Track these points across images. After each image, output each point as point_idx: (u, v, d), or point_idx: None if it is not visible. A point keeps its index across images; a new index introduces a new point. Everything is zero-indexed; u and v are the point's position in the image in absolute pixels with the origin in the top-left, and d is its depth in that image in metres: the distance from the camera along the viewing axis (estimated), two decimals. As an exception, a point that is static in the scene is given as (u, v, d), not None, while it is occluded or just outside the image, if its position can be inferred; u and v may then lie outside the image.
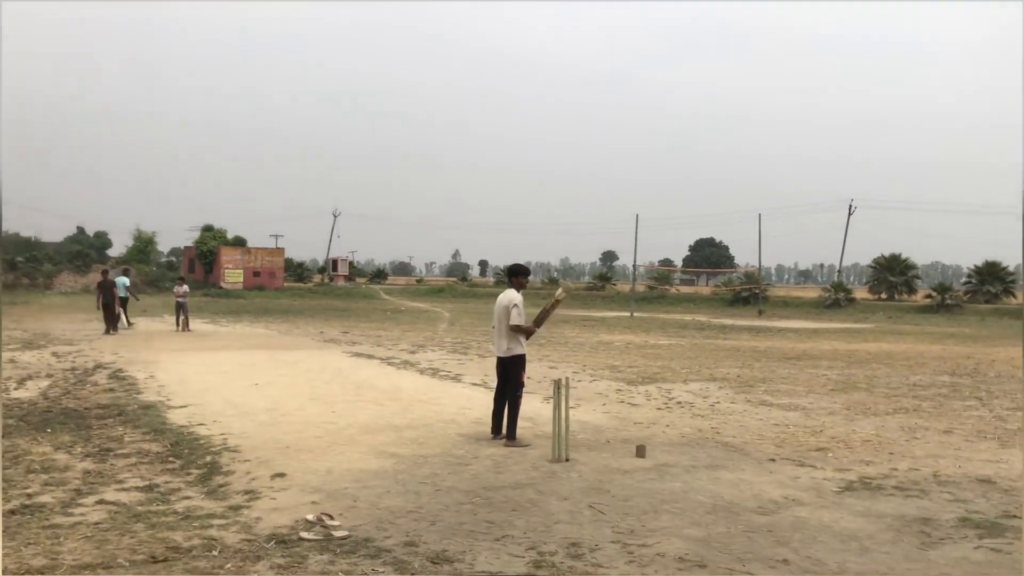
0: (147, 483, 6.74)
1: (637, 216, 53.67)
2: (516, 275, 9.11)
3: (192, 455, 7.80)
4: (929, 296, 55.64)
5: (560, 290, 9.75)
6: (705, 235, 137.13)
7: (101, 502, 6.13)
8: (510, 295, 8.78)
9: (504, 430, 8.62)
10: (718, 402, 12.05)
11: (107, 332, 22.79)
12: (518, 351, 8.70)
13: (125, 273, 27.41)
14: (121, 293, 24.83)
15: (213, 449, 8.03)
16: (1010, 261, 60.81)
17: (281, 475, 6.98)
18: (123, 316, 24.90)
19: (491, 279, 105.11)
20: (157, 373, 13.98)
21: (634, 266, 59.91)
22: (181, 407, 10.51)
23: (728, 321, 41.56)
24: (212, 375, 13.90)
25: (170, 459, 7.68)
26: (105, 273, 25.79)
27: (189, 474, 7.12)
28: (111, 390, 12.07)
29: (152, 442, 8.43)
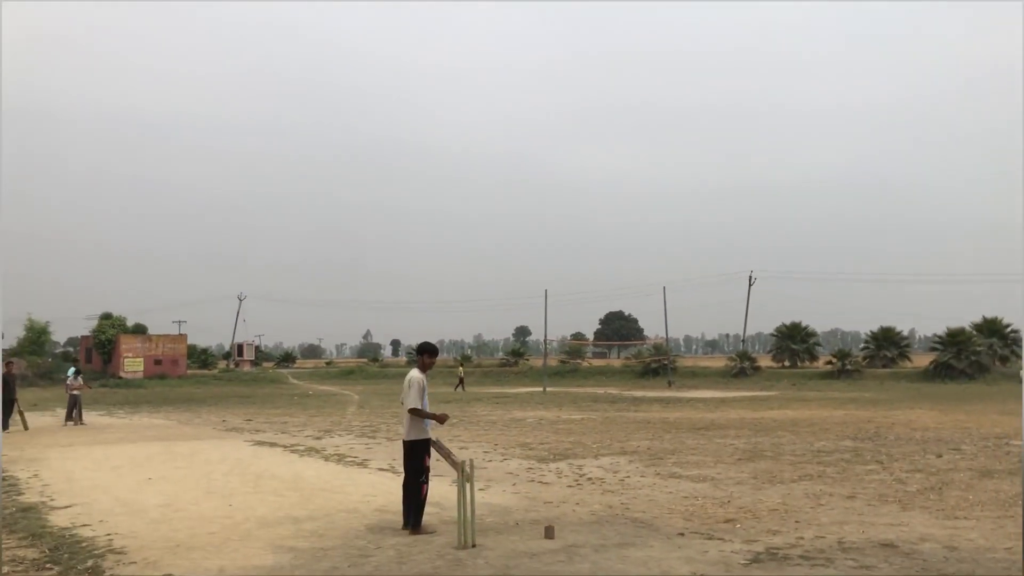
0: (19, 594, 6.22)
1: (546, 291, 54.30)
2: (421, 354, 8.82)
3: (72, 560, 7.27)
4: (830, 362, 57.47)
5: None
6: (615, 308, 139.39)
7: (-37, 619, 5.61)
8: (411, 375, 8.49)
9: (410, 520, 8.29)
10: (628, 476, 12.00)
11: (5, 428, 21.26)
12: (415, 436, 8.37)
13: (75, 362, 26.34)
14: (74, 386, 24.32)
15: (96, 552, 7.51)
16: (903, 326, 63.61)
17: (168, 577, 6.55)
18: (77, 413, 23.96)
19: (403, 358, 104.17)
20: (42, 471, 13.17)
21: (545, 341, 60.26)
22: (65, 507, 9.86)
23: (639, 393, 41.98)
24: (102, 471, 13.16)
25: (47, 565, 7.13)
26: (9, 365, 24.19)
27: (67, 582, 6.61)
28: (-11, 493, 11.27)
29: (29, 548, 7.83)
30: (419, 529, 8.17)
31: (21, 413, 21.73)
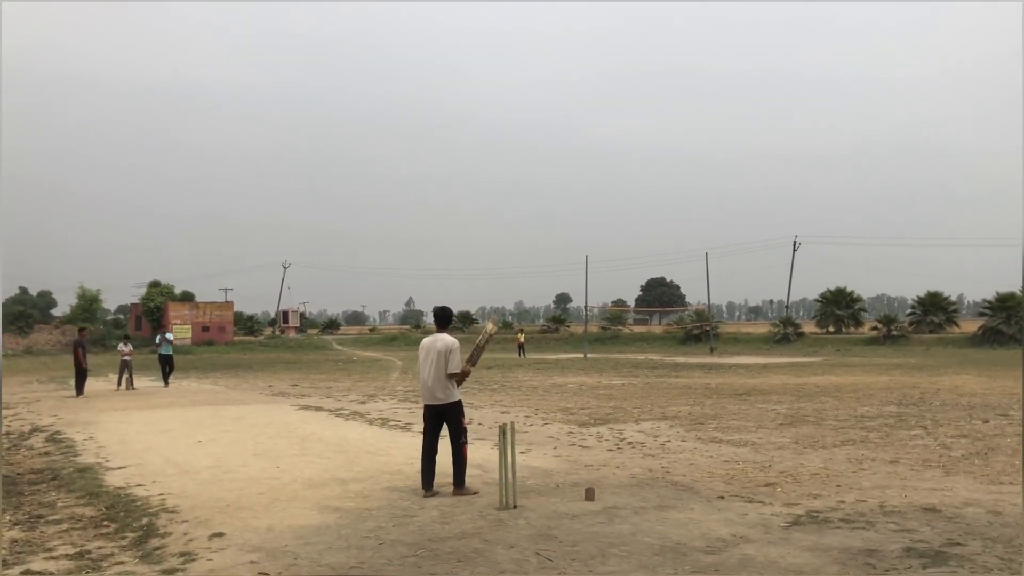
0: (78, 550, 6.46)
1: (587, 258, 54.07)
2: (447, 318, 8.76)
3: (128, 518, 7.53)
4: (875, 328, 56.76)
5: (490, 324, 9.63)
6: (656, 275, 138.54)
7: (27, 572, 5.86)
8: (446, 341, 8.42)
9: (452, 480, 8.43)
10: (669, 441, 12.04)
11: (80, 394, 21.80)
12: (455, 397, 8.44)
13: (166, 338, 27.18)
14: (166, 350, 25.99)
15: (150, 511, 7.77)
16: (951, 291, 62.43)
17: (220, 535, 6.76)
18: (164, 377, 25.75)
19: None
20: (97, 434, 13.58)
21: (586, 308, 60.17)
22: (119, 468, 10.19)
23: (680, 359, 41.85)
24: (154, 434, 13.53)
25: (104, 523, 7.40)
26: (82, 332, 25.05)
27: (124, 538, 6.85)
28: (47, 454, 11.68)
29: (86, 506, 8.13)
30: (462, 489, 8.31)
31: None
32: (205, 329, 65.56)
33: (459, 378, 8.45)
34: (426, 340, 8.62)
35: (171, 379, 26.05)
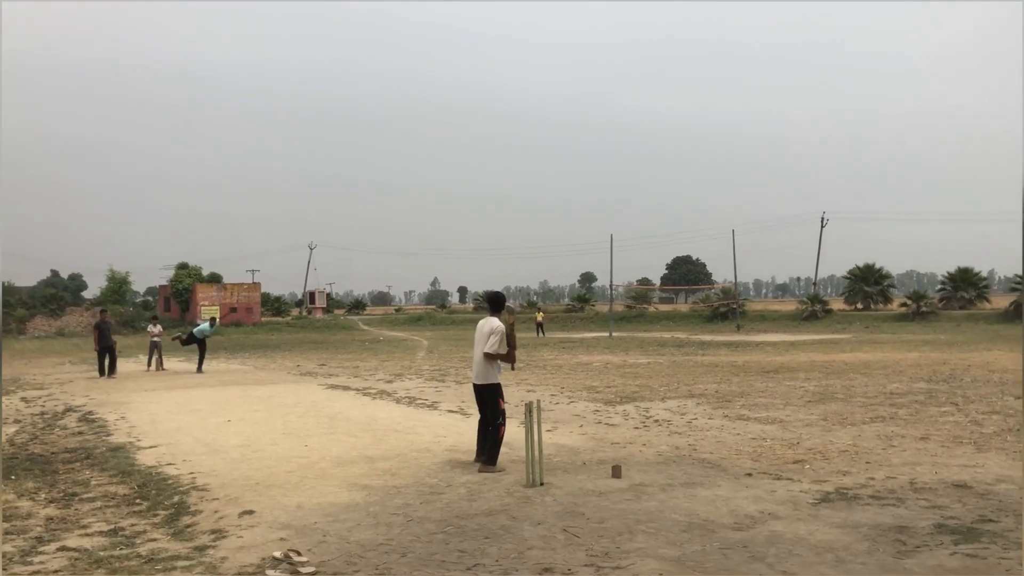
0: (112, 527, 6.57)
1: (612, 236, 53.84)
2: (499, 303, 9.03)
3: (159, 496, 7.63)
4: (904, 304, 56.17)
5: (506, 315, 9.71)
6: (682, 253, 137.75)
7: (63, 549, 5.96)
8: (492, 323, 8.63)
9: (484, 457, 8.53)
10: (696, 419, 12.00)
11: (102, 375, 21.96)
12: (492, 379, 8.56)
13: (211, 323, 25.69)
14: (206, 333, 24.44)
15: (181, 489, 7.87)
16: (982, 267, 61.54)
17: (250, 512, 6.83)
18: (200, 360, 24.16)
19: (470, 305, 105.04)
20: (128, 414, 13.76)
21: (611, 286, 60.01)
22: (151, 447, 10.32)
23: (707, 337, 41.68)
24: (184, 414, 13.69)
25: (137, 501, 7.51)
26: (103, 313, 24.98)
27: (156, 516, 6.95)
28: (80, 433, 11.85)
29: (119, 484, 8.25)
30: (490, 467, 8.35)
31: (114, 359, 22.56)
32: (233, 310, 66.11)
33: (503, 358, 8.58)
34: (480, 322, 8.87)
35: (196, 361, 25.95)
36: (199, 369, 23.56)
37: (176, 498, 7.51)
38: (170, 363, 26.31)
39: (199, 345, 24.26)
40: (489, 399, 8.60)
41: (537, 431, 7.80)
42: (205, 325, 25.01)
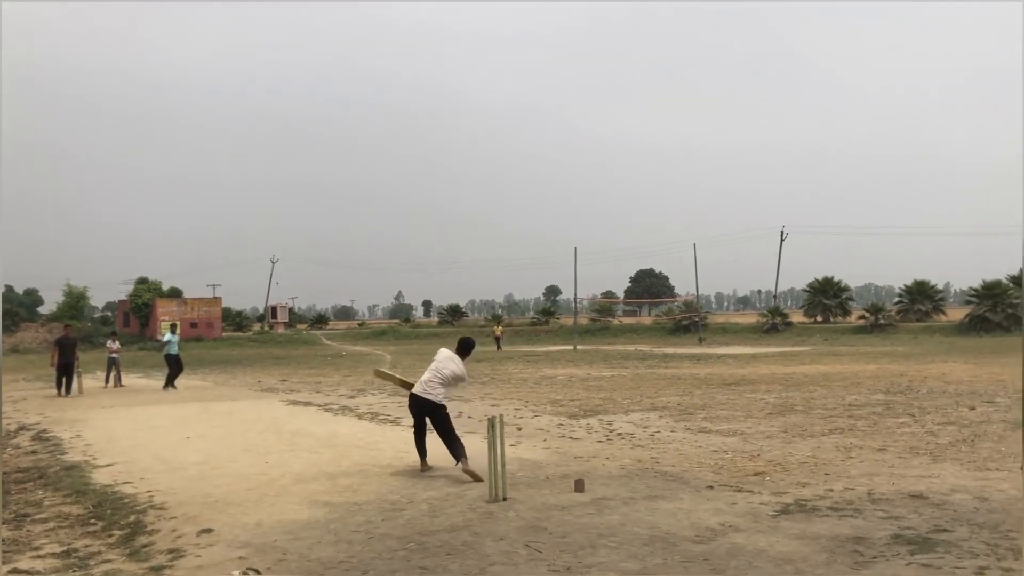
0: (65, 548, 6.42)
1: (575, 250, 54.08)
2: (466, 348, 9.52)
3: (115, 515, 7.49)
4: (863, 317, 57.04)
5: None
6: (645, 266, 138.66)
7: (14, 572, 5.82)
8: (462, 366, 9.25)
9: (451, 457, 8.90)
10: (658, 431, 12.06)
11: (60, 393, 20.99)
12: (444, 400, 9.11)
13: (172, 329, 24.38)
14: (173, 350, 22.98)
15: (138, 508, 7.73)
16: (938, 280, 62.74)
17: (208, 531, 6.73)
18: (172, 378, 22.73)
19: (435, 319, 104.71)
20: (84, 432, 13.51)
21: (575, 299, 60.20)
22: (107, 466, 10.13)
23: (670, 350, 41.95)
24: (142, 431, 13.47)
25: (91, 521, 7.36)
26: (67, 328, 24.09)
27: (111, 536, 6.82)
28: (33, 452, 11.61)
29: (73, 504, 8.09)
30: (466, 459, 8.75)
31: (79, 376, 21.78)
32: (193, 325, 65.27)
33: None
34: (444, 351, 9.46)
35: (159, 376, 25.10)
36: (168, 385, 22.33)
37: (132, 517, 7.37)
38: (128, 379, 25.88)
39: (175, 361, 22.89)
40: (442, 419, 9.02)
41: (500, 446, 7.79)
42: (173, 339, 23.54)
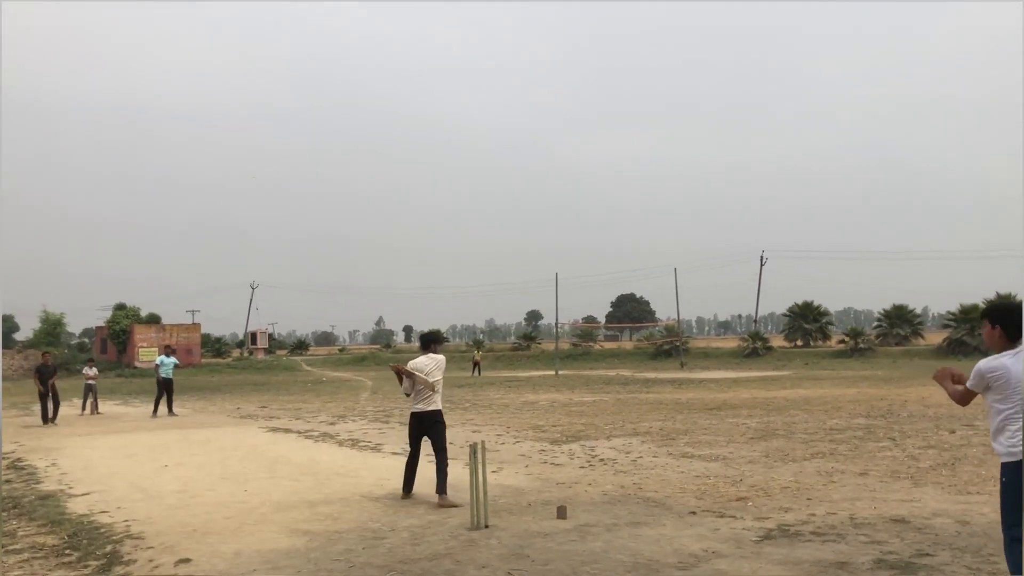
0: (39, 580, 6.31)
1: (557, 275, 54.21)
2: (425, 341, 9.84)
3: (91, 546, 7.36)
4: (843, 341, 57.36)
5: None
6: (626, 291, 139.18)
7: (-14, 604, 5.70)
8: (439, 357, 9.42)
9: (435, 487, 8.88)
10: (640, 457, 12.03)
11: (46, 422, 20.51)
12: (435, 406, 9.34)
13: (168, 352, 23.79)
14: (166, 374, 22.61)
15: (114, 538, 7.61)
16: (916, 304, 63.36)
17: (186, 561, 6.63)
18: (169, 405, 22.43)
19: (416, 344, 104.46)
20: (60, 460, 13.31)
21: (556, 324, 60.20)
22: (83, 495, 9.98)
23: (651, 374, 41.97)
24: (119, 459, 13.29)
25: (67, 552, 7.23)
26: (45, 356, 23.62)
27: (87, 566, 6.69)
28: (7, 481, 11.39)
29: (48, 534, 7.94)
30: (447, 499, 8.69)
31: (56, 404, 21.29)
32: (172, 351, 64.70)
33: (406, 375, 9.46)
34: (428, 358, 9.52)
35: (137, 403, 24.87)
36: (170, 412, 22.21)
37: (109, 547, 7.25)
38: (105, 406, 25.57)
39: (167, 386, 22.61)
40: (440, 429, 9.25)
41: (482, 472, 7.74)
42: (169, 360, 23.14)
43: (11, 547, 7.46)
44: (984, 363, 4.76)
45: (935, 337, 57.83)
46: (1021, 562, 4.30)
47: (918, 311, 63.17)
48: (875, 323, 64.87)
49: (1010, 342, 4.73)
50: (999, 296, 53.20)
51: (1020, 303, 4.83)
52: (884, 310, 61.60)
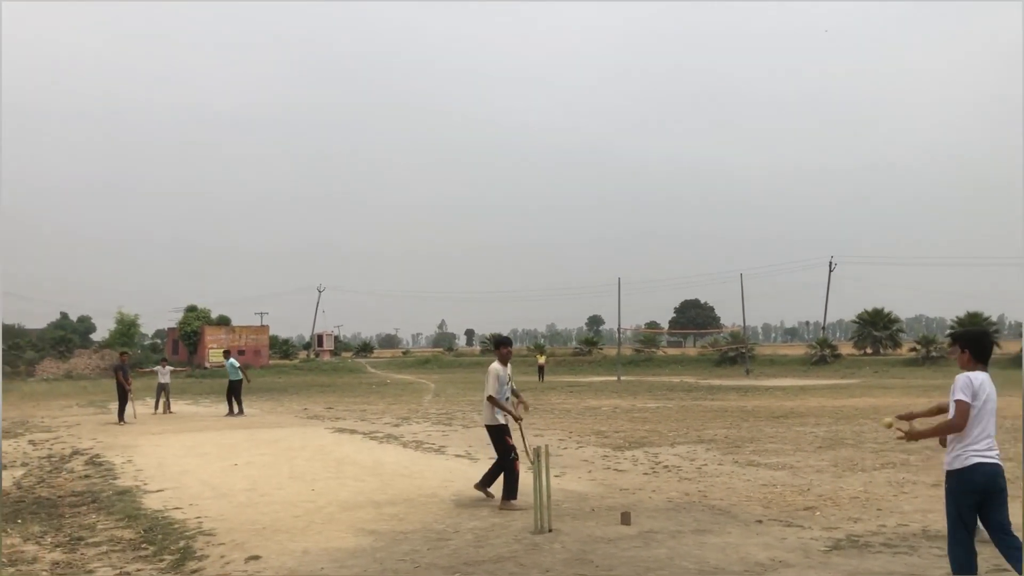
0: (118, 572, 6.53)
1: (619, 279, 53.92)
2: (498, 346, 9.55)
3: (166, 540, 7.59)
4: (914, 349, 55.81)
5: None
6: (690, 297, 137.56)
7: (68, 594, 5.93)
8: (491, 367, 9.20)
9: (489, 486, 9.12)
10: (705, 464, 11.91)
11: (121, 420, 21.08)
12: (490, 421, 9.09)
13: (226, 355, 24.84)
14: (233, 376, 23.44)
15: (188, 533, 7.83)
16: (992, 311, 61.43)
17: (256, 558, 6.79)
18: (236, 404, 23.10)
19: (478, 348, 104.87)
20: (135, 457, 13.73)
21: (619, 329, 59.89)
22: (157, 491, 10.29)
23: (716, 382, 41.48)
24: (191, 457, 13.66)
25: (143, 545, 7.47)
26: (123, 356, 24.22)
27: (162, 560, 6.91)
28: (87, 476, 11.82)
29: (125, 528, 8.22)
30: (510, 504, 8.65)
31: (132, 402, 22.03)
32: (241, 353, 65.99)
33: (496, 405, 9.01)
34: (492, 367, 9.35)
35: (207, 402, 25.42)
36: (241, 411, 22.99)
37: (182, 543, 7.47)
38: (177, 406, 26.28)
39: (235, 389, 23.27)
40: (494, 438, 9.05)
41: (545, 476, 7.76)
42: (230, 363, 23.93)
43: (91, 539, 7.74)
44: (972, 375, 5.41)
45: (1013, 346, 55.91)
46: None
47: (994, 319, 61.19)
48: (948, 331, 62.98)
49: (978, 364, 5.45)
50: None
51: (985, 330, 5.18)
52: (957, 317, 59.78)
